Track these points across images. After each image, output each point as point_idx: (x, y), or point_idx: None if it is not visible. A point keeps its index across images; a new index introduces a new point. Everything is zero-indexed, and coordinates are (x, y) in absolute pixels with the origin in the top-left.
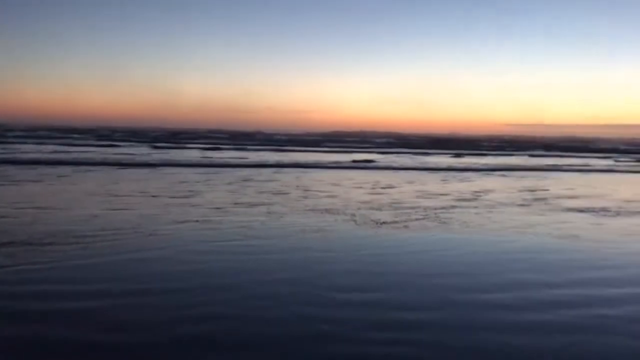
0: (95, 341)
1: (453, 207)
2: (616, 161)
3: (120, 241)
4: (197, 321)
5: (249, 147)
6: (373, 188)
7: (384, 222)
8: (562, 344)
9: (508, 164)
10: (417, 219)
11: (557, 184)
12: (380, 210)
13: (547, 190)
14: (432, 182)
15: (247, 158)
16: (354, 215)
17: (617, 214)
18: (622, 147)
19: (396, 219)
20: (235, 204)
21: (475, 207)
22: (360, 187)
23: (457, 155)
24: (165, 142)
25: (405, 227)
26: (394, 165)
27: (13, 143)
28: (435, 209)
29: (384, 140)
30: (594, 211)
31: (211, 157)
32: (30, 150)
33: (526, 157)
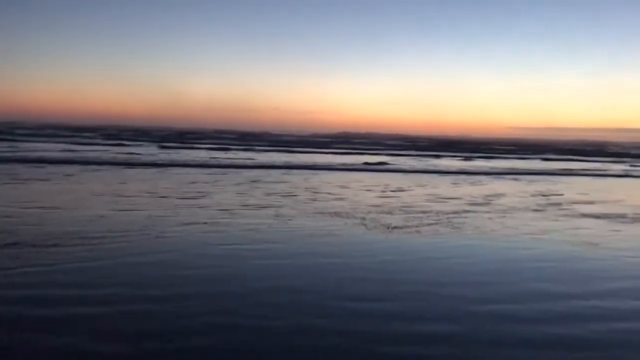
0: (96, 351)
1: (465, 211)
2: (632, 166)
3: (127, 243)
4: (203, 332)
5: (257, 147)
6: (383, 191)
7: (395, 227)
8: None
9: (519, 167)
10: (429, 224)
11: (571, 189)
12: (391, 214)
13: (561, 195)
14: (443, 186)
15: (255, 159)
16: (364, 219)
17: (635, 220)
18: (634, 152)
19: (407, 224)
20: (244, 205)
21: (488, 212)
22: (370, 190)
23: (467, 159)
24: (173, 142)
25: (417, 232)
26: (404, 167)
27: (21, 141)
28: (447, 213)
29: (392, 142)
30: (610, 217)
31: (219, 158)
32: (38, 148)
33: (538, 161)
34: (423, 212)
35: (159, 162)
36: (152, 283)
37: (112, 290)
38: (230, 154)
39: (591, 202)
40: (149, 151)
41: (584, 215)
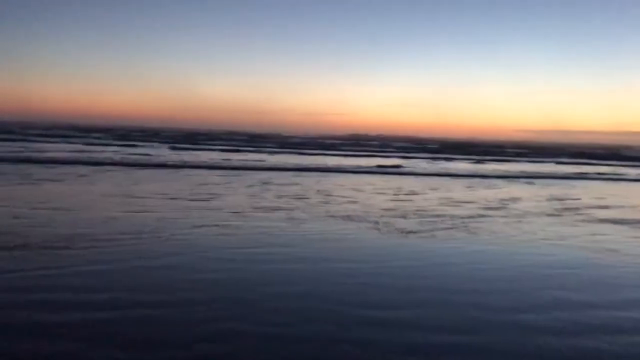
0: (105, 357)
1: (481, 216)
2: None
3: (137, 246)
4: (214, 339)
5: (268, 149)
6: (396, 194)
7: (409, 232)
8: None
9: (532, 170)
10: (444, 228)
11: (587, 193)
12: (405, 218)
13: (578, 199)
14: (456, 189)
15: (265, 161)
16: (377, 223)
17: None
18: None
19: (422, 228)
20: (255, 208)
21: (504, 217)
22: (383, 193)
23: (479, 161)
24: (184, 143)
25: (433, 237)
26: (416, 170)
27: (33, 141)
28: (462, 217)
29: (402, 144)
30: (630, 223)
31: (230, 159)
32: (50, 149)
33: (552, 164)
34: (437, 216)
35: (170, 163)
36: (162, 288)
37: (120, 295)
38: (240, 156)
39: (608, 207)
40: (160, 152)
41: (602, 221)
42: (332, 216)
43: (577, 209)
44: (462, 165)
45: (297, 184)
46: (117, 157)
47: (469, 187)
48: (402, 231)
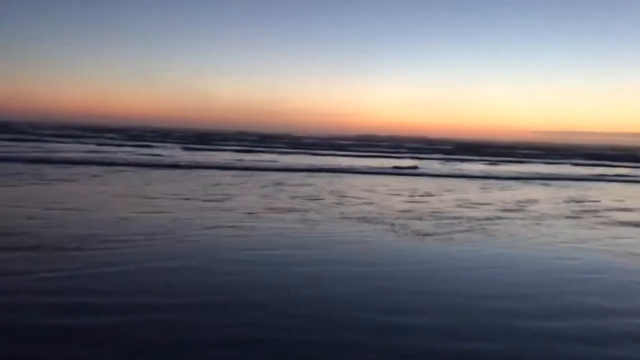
0: None
1: (498, 218)
2: None
3: (150, 247)
4: (227, 344)
5: (279, 149)
6: (411, 196)
7: (426, 234)
8: None
9: (548, 172)
10: (461, 231)
11: (605, 195)
12: (421, 220)
13: (597, 201)
14: (472, 190)
15: (277, 161)
16: (393, 224)
17: None
18: None
19: (439, 230)
20: (268, 209)
21: (522, 219)
22: (398, 194)
23: (493, 163)
24: (196, 144)
25: (450, 239)
26: (430, 171)
27: (46, 141)
28: (479, 219)
29: (414, 145)
30: None
31: (243, 160)
32: (63, 149)
33: (568, 166)
34: (454, 218)
35: (183, 163)
36: (176, 290)
37: (132, 298)
38: (253, 156)
39: (628, 210)
40: (172, 152)
41: (623, 224)
42: (347, 218)
43: (596, 211)
44: (476, 167)
45: (310, 184)
46: (130, 158)
47: (484, 188)
48: (419, 233)
